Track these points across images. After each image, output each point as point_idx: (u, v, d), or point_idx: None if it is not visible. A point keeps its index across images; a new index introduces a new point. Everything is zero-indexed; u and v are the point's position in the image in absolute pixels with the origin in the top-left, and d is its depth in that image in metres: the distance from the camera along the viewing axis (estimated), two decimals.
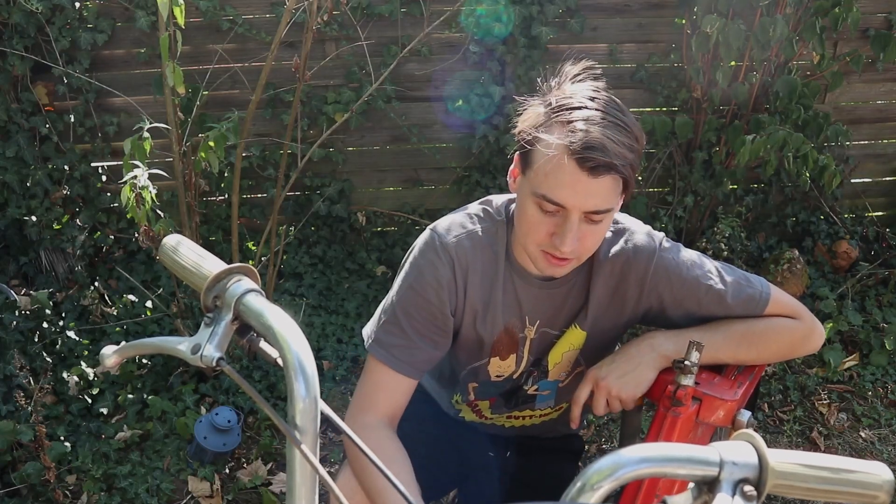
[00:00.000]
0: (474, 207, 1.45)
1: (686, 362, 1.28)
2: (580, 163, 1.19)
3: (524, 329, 1.46)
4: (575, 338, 1.49)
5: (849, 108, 3.55)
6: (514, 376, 1.54)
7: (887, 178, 3.72)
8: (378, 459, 0.74)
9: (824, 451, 2.62)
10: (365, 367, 1.43)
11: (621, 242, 1.42)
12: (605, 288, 1.43)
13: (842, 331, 3.13)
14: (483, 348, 1.48)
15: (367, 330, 1.45)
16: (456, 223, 1.42)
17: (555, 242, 1.26)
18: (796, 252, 3.35)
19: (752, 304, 1.43)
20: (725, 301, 1.42)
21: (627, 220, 1.45)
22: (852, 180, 3.66)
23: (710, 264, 1.44)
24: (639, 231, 1.43)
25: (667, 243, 1.44)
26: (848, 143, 3.41)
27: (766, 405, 2.85)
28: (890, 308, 3.29)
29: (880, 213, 3.74)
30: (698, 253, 1.47)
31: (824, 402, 2.86)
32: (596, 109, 1.23)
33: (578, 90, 1.27)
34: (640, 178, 3.45)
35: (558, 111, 1.24)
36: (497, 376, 1.54)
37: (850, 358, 3.03)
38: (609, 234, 1.42)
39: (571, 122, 1.21)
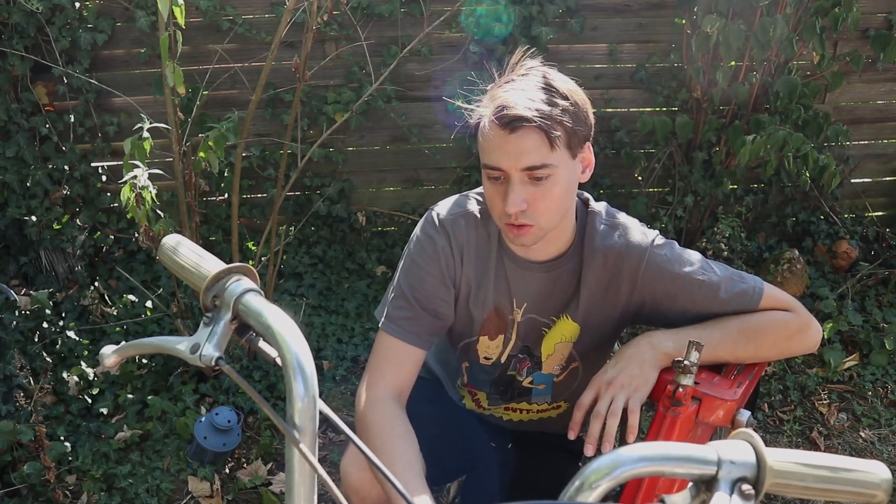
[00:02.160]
0: (473, 191, 1.54)
1: (685, 362, 1.28)
2: (498, 123, 1.29)
3: (512, 311, 1.51)
4: (567, 329, 1.52)
5: (849, 108, 3.55)
6: (502, 360, 1.58)
7: (887, 178, 3.72)
8: (372, 454, 0.75)
9: (824, 451, 2.62)
10: (375, 343, 1.50)
11: (615, 236, 1.46)
12: (598, 280, 1.46)
13: (842, 331, 3.12)
14: (473, 326, 1.53)
15: (378, 311, 1.54)
16: (454, 203, 1.52)
17: (504, 208, 1.32)
18: (796, 252, 3.35)
19: (746, 298, 1.45)
20: (719, 296, 1.44)
21: (623, 217, 1.49)
22: (852, 180, 3.66)
23: (703, 261, 1.47)
24: (632, 227, 1.47)
25: (660, 240, 1.47)
26: (848, 143, 3.41)
27: (766, 405, 2.85)
28: (890, 308, 3.29)
29: (880, 213, 3.74)
30: (691, 251, 1.49)
31: (824, 402, 2.86)
32: (521, 79, 1.33)
33: (515, 70, 1.37)
34: (639, 177, 3.46)
35: (491, 90, 1.35)
36: (486, 358, 1.58)
37: (850, 358, 3.03)
38: (603, 227, 1.46)
39: (495, 94, 1.33)
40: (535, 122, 1.26)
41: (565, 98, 1.31)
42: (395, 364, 1.46)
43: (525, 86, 1.31)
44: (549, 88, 1.31)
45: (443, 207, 1.51)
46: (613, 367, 1.39)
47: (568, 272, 1.48)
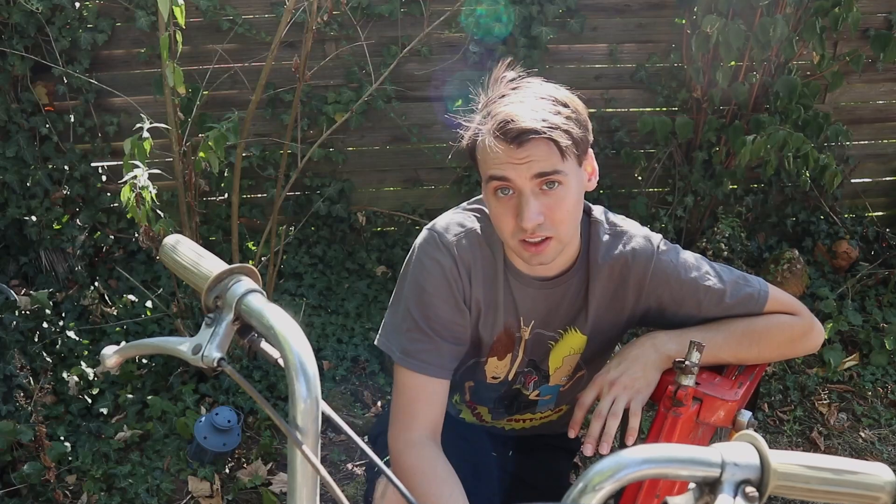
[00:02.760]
0: (470, 206, 1.47)
1: (686, 362, 1.28)
2: (503, 138, 1.23)
3: (519, 329, 1.46)
4: (575, 342, 1.49)
5: (849, 108, 3.55)
6: (509, 377, 1.54)
7: (887, 178, 3.72)
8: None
9: (824, 452, 2.62)
10: (396, 380, 1.41)
11: (619, 246, 1.42)
12: (604, 291, 1.43)
13: (842, 331, 3.12)
14: (482, 348, 1.48)
15: (386, 341, 1.44)
16: (454, 222, 1.42)
17: (520, 224, 1.25)
18: (796, 252, 3.35)
19: (752, 302, 1.43)
20: (724, 301, 1.42)
21: (625, 223, 1.46)
22: (852, 180, 3.66)
23: (708, 265, 1.44)
24: (637, 234, 1.43)
25: (664, 246, 1.44)
26: (848, 143, 3.41)
27: (766, 405, 2.85)
28: (890, 308, 3.29)
29: (880, 213, 3.74)
30: (695, 254, 1.47)
31: (824, 402, 2.86)
32: (515, 92, 1.29)
33: (503, 85, 1.32)
34: (639, 177, 3.46)
35: (486, 108, 1.31)
36: (493, 377, 1.54)
37: (850, 358, 3.03)
38: (606, 238, 1.42)
39: (493, 111, 1.28)
40: (545, 133, 1.22)
41: (566, 106, 1.27)
42: (425, 402, 1.38)
43: (524, 97, 1.27)
44: (548, 98, 1.27)
45: (442, 227, 1.41)
46: (616, 367, 1.37)
47: (574, 286, 1.44)
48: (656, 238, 1.44)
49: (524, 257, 1.32)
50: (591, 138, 1.33)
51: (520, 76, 1.33)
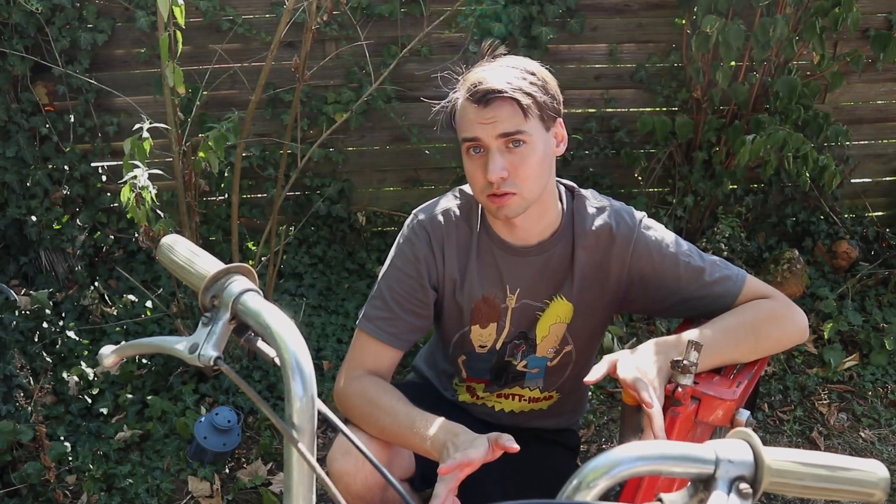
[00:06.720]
0: (454, 190, 1.60)
1: (685, 362, 1.28)
2: (472, 99, 1.38)
3: (505, 299, 1.56)
4: (561, 310, 1.56)
5: (849, 108, 3.55)
6: (497, 347, 1.61)
7: (887, 178, 3.71)
8: (365, 447, 0.75)
9: (824, 451, 2.62)
10: (353, 340, 1.57)
11: (604, 216, 1.52)
12: (590, 259, 1.52)
13: (842, 331, 3.12)
14: (463, 317, 1.58)
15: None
16: (434, 203, 1.58)
17: (486, 177, 1.38)
18: (796, 252, 3.34)
19: (730, 283, 1.51)
20: (703, 278, 1.50)
21: (610, 200, 1.56)
22: (852, 180, 3.65)
23: (689, 246, 1.54)
24: (621, 209, 1.55)
25: (647, 221, 1.54)
26: (848, 143, 3.41)
27: (766, 405, 2.85)
28: (890, 308, 3.29)
29: (880, 213, 3.73)
30: (677, 236, 1.55)
31: (824, 402, 2.86)
32: (490, 63, 1.44)
33: (485, 60, 1.47)
34: (639, 177, 3.46)
35: (463, 76, 1.45)
36: (481, 346, 1.62)
37: (850, 358, 3.03)
38: (592, 210, 1.53)
39: (467, 76, 1.43)
40: (507, 92, 1.34)
41: (532, 74, 1.40)
42: (372, 359, 1.52)
43: (493, 66, 1.42)
44: (516, 67, 1.40)
45: (423, 209, 1.57)
46: (652, 363, 1.32)
47: (559, 253, 1.53)
48: (639, 213, 1.55)
49: (491, 210, 1.44)
50: (559, 109, 1.45)
51: (503, 55, 1.46)
